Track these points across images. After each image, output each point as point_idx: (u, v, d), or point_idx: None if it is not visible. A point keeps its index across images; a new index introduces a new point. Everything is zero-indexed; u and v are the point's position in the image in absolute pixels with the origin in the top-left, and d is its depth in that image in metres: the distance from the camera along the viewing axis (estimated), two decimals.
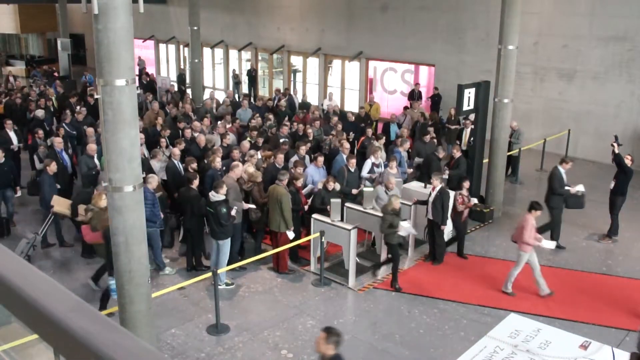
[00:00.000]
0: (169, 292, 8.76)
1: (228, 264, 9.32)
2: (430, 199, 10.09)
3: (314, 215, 9.87)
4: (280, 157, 10.93)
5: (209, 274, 8.34)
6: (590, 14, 16.22)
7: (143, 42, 29.82)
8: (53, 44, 33.13)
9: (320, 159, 11.16)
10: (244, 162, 10.79)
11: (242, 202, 9.80)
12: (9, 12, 34.30)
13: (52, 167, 10.67)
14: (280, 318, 8.57)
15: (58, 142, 12.16)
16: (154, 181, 9.71)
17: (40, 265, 10.03)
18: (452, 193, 11.14)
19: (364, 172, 11.33)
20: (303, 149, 11.72)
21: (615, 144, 11.16)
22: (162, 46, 31.00)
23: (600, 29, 16.05)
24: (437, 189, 10.04)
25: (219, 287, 9.35)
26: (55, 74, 26.83)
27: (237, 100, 18.61)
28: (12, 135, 13.61)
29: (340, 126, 14.00)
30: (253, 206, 9.97)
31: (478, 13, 18.36)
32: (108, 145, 6.06)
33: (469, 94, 11.72)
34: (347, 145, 11.93)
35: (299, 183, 10.22)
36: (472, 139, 13.54)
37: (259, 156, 11.47)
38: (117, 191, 6.13)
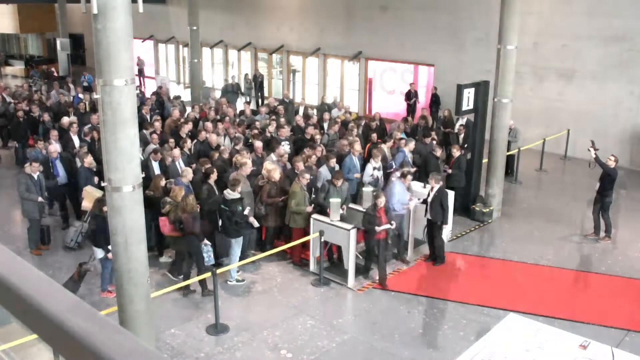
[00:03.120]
0: (169, 292, 8.76)
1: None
2: (429, 199, 10.06)
3: (314, 216, 9.87)
4: (299, 163, 10.81)
5: (209, 274, 8.34)
6: (589, 14, 16.22)
7: (142, 42, 29.84)
8: (52, 44, 33.12)
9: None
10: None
11: (252, 217, 9.88)
12: (8, 12, 34.27)
13: (89, 159, 10.99)
14: (280, 318, 8.57)
15: (53, 150, 11.67)
16: (188, 174, 9.93)
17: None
18: (451, 193, 11.14)
19: (366, 176, 11.32)
20: (333, 160, 11.21)
21: (592, 149, 11.21)
22: (161, 46, 31.01)
23: (599, 29, 16.05)
24: (435, 188, 10.01)
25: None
26: (55, 74, 26.80)
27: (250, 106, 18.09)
28: (75, 139, 13.34)
29: (355, 130, 13.84)
30: (256, 224, 9.99)
31: (477, 13, 18.36)
32: (107, 145, 6.06)
33: (469, 94, 11.76)
34: (358, 147, 11.86)
35: (304, 181, 10.32)
36: (465, 145, 13.57)
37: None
38: (116, 191, 6.13)
